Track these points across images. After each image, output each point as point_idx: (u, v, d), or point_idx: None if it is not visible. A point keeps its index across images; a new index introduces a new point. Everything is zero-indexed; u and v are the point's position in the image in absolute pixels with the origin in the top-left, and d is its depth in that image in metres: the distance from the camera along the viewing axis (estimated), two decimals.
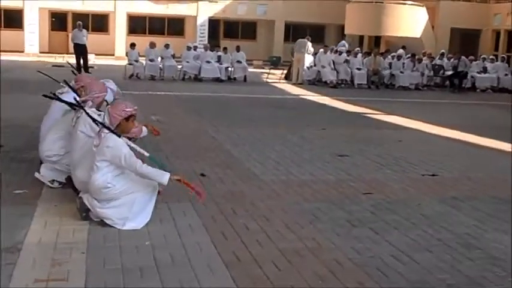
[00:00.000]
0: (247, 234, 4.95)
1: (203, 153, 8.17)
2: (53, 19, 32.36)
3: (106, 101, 6.43)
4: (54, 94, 6.38)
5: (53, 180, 6.03)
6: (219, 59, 20.85)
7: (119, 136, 4.91)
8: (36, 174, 6.11)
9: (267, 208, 5.73)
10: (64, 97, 6.28)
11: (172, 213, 5.38)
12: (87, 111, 5.47)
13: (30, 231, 4.73)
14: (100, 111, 5.86)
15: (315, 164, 7.85)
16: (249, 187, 6.50)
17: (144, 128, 6.25)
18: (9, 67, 21.22)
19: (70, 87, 6.53)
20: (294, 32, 33.62)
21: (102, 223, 4.94)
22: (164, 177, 4.89)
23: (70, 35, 24.38)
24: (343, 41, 26.03)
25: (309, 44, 21.27)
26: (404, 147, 9.61)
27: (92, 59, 23.76)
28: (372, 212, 5.82)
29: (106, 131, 4.90)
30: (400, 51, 22.84)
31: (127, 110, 4.98)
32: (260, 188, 6.50)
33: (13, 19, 31.06)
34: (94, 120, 5.29)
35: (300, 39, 21.93)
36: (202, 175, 6.84)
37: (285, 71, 22.77)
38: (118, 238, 4.71)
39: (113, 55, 29.95)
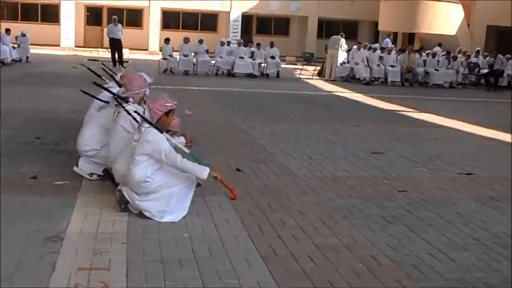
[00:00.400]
0: (284, 228, 5.00)
1: (238, 148, 8.24)
2: (88, 13, 32.75)
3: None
4: (100, 85, 6.54)
5: (92, 173, 6.16)
6: (252, 55, 20.90)
7: (161, 131, 4.99)
8: (75, 168, 6.25)
9: (302, 203, 5.77)
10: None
11: (208, 206, 5.46)
12: (126, 108, 5.58)
13: (71, 222, 4.85)
14: (141, 106, 5.95)
15: (348, 161, 7.86)
16: (283, 182, 6.54)
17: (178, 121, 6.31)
18: (45, 60, 21.64)
19: (116, 81, 6.68)
20: (327, 28, 33.57)
21: (141, 215, 5.04)
22: (204, 172, 4.96)
23: (105, 29, 24.65)
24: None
25: (343, 40, 21.17)
26: (439, 146, 9.54)
27: (126, 54, 23.99)
28: (407, 209, 5.81)
29: (146, 125, 4.98)
30: (436, 48, 22.61)
31: (167, 104, 5.06)
32: (295, 183, 6.53)
33: (50, 13, 31.55)
34: (134, 117, 5.40)
35: (333, 36, 21.83)
36: (238, 170, 6.91)
37: (318, 68, 22.74)
38: (157, 230, 4.80)
39: (147, 50, 30.24)
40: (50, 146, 7.66)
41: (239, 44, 21.16)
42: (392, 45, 23.59)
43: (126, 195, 5.07)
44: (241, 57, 20.39)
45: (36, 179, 6.03)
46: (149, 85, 6.74)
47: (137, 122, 5.31)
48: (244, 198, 5.72)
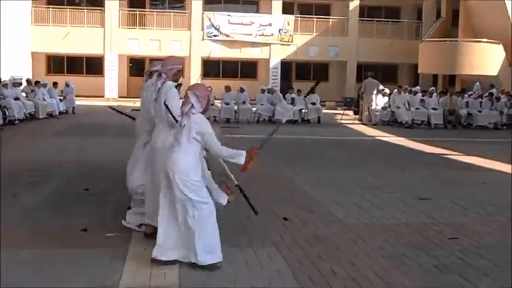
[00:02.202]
0: (335, 279, 4.94)
1: (283, 196, 8.24)
2: (131, 65, 33.64)
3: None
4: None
5: (141, 225, 6.21)
6: (292, 101, 21.03)
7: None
8: (123, 222, 6.31)
9: (352, 252, 5.70)
10: None
11: (258, 257, 5.44)
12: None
13: (124, 274, 4.89)
14: (177, 83, 6.17)
15: (396, 207, 7.76)
16: (332, 231, 6.49)
17: None
18: (90, 111, 22.20)
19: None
20: (366, 72, 33.65)
21: (192, 266, 5.04)
22: (241, 157, 5.20)
23: None
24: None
25: (376, 82, 21.22)
26: (488, 190, 9.33)
27: None
28: (459, 257, 5.68)
29: (194, 110, 5.06)
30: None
31: (209, 89, 5.33)
32: (343, 231, 6.47)
33: (94, 66, 32.50)
34: (174, 117, 5.61)
35: (366, 80, 21.92)
36: (285, 219, 6.88)
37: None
38: (207, 282, 4.80)
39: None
40: (99, 197, 7.79)
41: (271, 92, 21.27)
42: (433, 88, 23.44)
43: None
44: (282, 104, 20.52)
45: (86, 231, 6.12)
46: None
47: (176, 121, 5.46)
48: (294, 248, 5.70)
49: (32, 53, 31.82)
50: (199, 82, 6.11)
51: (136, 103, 27.06)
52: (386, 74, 34.69)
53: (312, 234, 6.33)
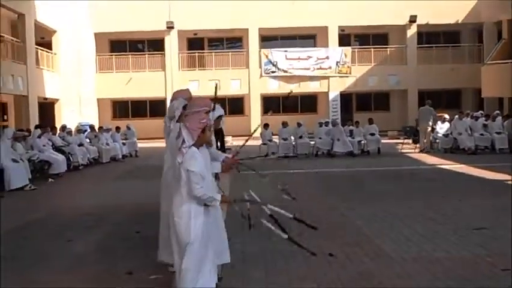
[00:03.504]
0: None
1: (332, 231, 8.11)
2: None
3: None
4: None
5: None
6: (351, 133, 20.87)
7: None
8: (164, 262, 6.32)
9: None
10: None
11: None
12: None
13: None
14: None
15: (448, 239, 7.51)
16: (377, 266, 6.34)
17: None
18: (152, 154, 22.64)
19: None
20: (428, 99, 33.04)
21: None
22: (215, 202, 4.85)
23: None
24: None
25: (430, 109, 20.91)
26: None
27: (230, 141, 24.69)
28: None
29: (185, 145, 4.80)
30: None
31: (203, 121, 4.88)
32: (389, 266, 6.31)
33: (157, 108, 33.32)
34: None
35: (421, 108, 21.62)
36: (331, 255, 6.78)
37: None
38: None
39: (251, 136, 30.93)
40: (149, 240, 7.88)
41: (333, 124, 21.19)
42: (498, 112, 22.75)
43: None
44: (340, 137, 20.39)
45: (131, 274, 6.22)
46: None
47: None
48: (335, 286, 5.59)
49: (97, 99, 33.01)
50: (199, 96, 5.60)
51: None
52: (449, 100, 34.08)
53: (356, 270, 6.20)
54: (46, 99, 27.99)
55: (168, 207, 5.87)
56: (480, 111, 22.70)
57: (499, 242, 7.31)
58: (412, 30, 33.25)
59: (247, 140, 5.99)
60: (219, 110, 6.45)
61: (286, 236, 5.36)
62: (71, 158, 17.46)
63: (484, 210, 9.50)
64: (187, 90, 6.45)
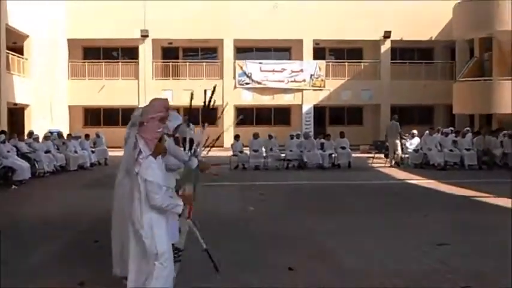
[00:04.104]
0: None
1: (295, 245, 8.02)
2: None
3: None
4: None
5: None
6: (322, 146, 20.86)
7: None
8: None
9: None
10: None
11: None
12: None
13: None
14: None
15: (411, 254, 7.46)
16: (337, 280, 6.25)
17: None
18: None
19: None
20: (400, 114, 33.26)
21: None
22: (178, 207, 4.93)
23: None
24: None
25: (397, 123, 21.12)
26: None
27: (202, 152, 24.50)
28: None
29: (142, 156, 4.78)
30: None
31: (159, 130, 4.89)
32: (349, 281, 6.23)
33: (130, 117, 32.81)
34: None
35: (390, 123, 21.86)
36: (290, 269, 6.67)
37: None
38: None
39: (222, 146, 30.84)
40: (107, 250, 7.69)
41: (306, 137, 21.18)
42: (468, 128, 22.94)
43: None
44: (311, 149, 20.36)
45: (83, 285, 6.04)
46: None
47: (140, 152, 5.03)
48: None
49: (69, 106, 32.62)
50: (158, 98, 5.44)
51: None
52: (421, 115, 34.37)
53: (315, 284, 6.10)
54: (16, 104, 27.53)
55: (121, 218, 5.73)
56: (450, 128, 22.88)
57: (461, 258, 7.27)
58: (386, 46, 33.49)
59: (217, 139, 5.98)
60: (178, 119, 6.33)
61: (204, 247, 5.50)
62: (36, 165, 17.14)
63: (448, 226, 9.48)
64: (166, 99, 6.30)
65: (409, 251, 7.66)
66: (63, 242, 8.41)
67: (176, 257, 6.41)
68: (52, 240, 8.46)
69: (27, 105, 28.91)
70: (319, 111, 34.04)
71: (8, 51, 26.18)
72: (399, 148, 20.78)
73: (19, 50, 28.60)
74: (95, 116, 34.77)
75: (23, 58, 28.66)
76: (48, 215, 10.76)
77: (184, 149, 6.46)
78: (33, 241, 8.41)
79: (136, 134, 4.95)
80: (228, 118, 32.55)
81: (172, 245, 5.28)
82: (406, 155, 20.77)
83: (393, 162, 20.83)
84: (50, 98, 30.68)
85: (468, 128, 23.33)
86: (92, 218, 10.28)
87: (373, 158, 22.48)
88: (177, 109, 31.93)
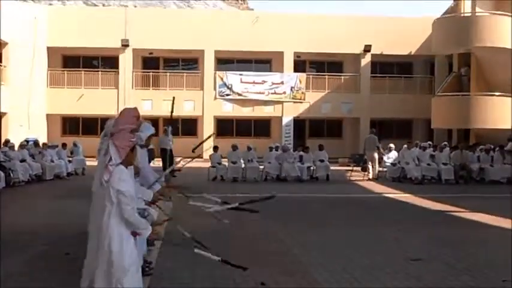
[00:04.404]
0: None
1: (267, 259, 7.95)
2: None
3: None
4: None
5: None
6: (301, 159, 20.85)
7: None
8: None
9: None
10: None
11: None
12: None
13: None
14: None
15: (384, 270, 7.41)
16: None
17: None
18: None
19: None
20: (380, 128, 33.47)
21: None
22: (146, 231, 4.85)
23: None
24: None
25: (375, 137, 21.26)
26: (490, 250, 8.93)
27: (180, 163, 24.38)
28: None
29: (112, 163, 4.71)
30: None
31: (132, 140, 4.83)
32: None
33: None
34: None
35: (367, 136, 21.95)
36: (263, 284, 6.60)
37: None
38: None
39: (202, 157, 30.70)
40: (77, 262, 7.56)
41: (284, 150, 21.17)
42: (445, 143, 23.08)
43: None
44: (289, 162, 20.34)
45: None
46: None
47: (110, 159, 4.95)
48: None
49: (47, 115, 32.30)
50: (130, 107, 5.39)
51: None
52: (400, 129, 34.57)
53: None
54: None
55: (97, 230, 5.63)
56: (428, 142, 23.01)
57: (434, 275, 7.25)
58: (366, 60, 33.72)
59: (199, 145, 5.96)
60: (150, 129, 6.29)
61: (218, 259, 5.42)
62: (11, 173, 16.90)
63: (423, 241, 9.48)
64: (135, 108, 6.21)
65: (384, 266, 7.62)
66: (34, 253, 8.29)
67: (147, 270, 6.38)
68: (23, 251, 8.33)
69: (4, 113, 28.61)
70: (299, 123, 34.11)
71: None
72: (376, 162, 20.87)
73: None
74: (73, 125, 34.47)
75: (1, 65, 28.40)
76: (21, 225, 10.58)
77: (164, 162, 6.47)
78: (3, 252, 8.23)
79: (109, 140, 4.88)
80: (208, 129, 32.52)
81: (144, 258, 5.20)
82: (384, 169, 20.84)
83: (371, 175, 20.89)
84: (28, 106, 30.39)
85: (446, 143, 23.46)
86: (64, 229, 10.14)
87: (351, 171, 22.52)
88: (156, 119, 31.86)
